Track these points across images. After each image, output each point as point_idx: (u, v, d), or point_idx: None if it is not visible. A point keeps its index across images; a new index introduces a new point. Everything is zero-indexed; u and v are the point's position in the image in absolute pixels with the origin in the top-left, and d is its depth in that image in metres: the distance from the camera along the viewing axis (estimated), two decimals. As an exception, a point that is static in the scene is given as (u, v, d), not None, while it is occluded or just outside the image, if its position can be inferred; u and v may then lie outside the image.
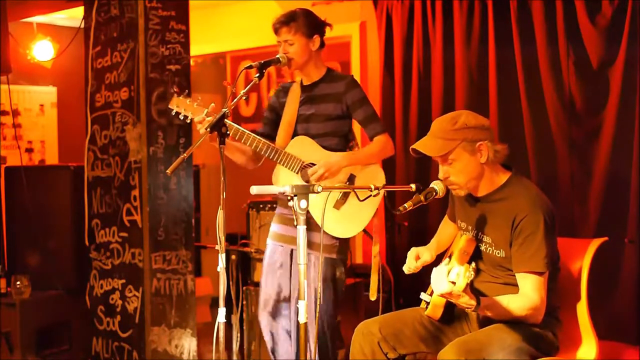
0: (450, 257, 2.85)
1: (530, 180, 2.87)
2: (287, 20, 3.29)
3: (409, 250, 2.96)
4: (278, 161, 3.30)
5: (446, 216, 3.15)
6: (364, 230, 3.32)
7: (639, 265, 3.94)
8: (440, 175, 2.73)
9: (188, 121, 3.25)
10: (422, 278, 2.94)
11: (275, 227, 3.48)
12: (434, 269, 2.54)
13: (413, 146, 2.73)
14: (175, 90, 3.24)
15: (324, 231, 3.25)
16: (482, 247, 2.79)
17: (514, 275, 2.71)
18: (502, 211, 2.72)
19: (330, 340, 3.36)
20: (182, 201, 4.23)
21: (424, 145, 2.71)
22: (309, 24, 3.31)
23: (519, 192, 2.73)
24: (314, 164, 3.29)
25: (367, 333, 2.82)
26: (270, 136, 3.45)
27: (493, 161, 2.73)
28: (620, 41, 3.97)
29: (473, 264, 2.45)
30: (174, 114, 3.26)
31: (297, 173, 3.30)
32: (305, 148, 3.33)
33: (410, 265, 2.90)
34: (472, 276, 2.40)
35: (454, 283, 2.40)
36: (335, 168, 3.25)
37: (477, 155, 2.69)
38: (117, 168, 4.23)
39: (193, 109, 3.22)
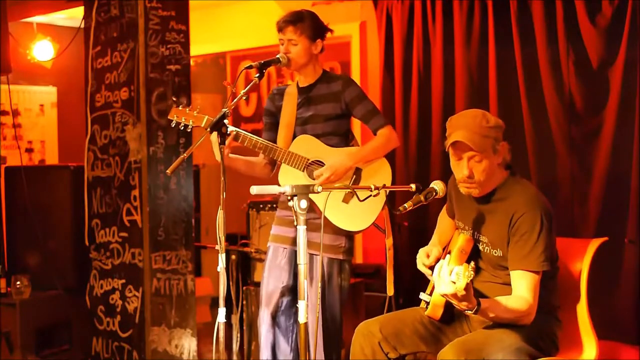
0: (447, 257, 2.84)
1: (527, 180, 2.86)
2: (294, 20, 3.29)
3: (409, 251, 2.96)
4: (282, 161, 3.30)
5: (444, 211, 3.14)
6: (375, 225, 3.32)
7: (639, 265, 3.94)
8: (464, 172, 2.67)
9: (189, 130, 3.26)
10: (422, 278, 2.95)
11: (275, 230, 3.48)
12: (435, 267, 2.54)
13: (459, 139, 2.63)
14: (173, 99, 3.24)
15: (330, 231, 3.26)
16: (481, 247, 2.80)
17: (514, 275, 2.71)
18: (500, 211, 2.72)
19: (333, 341, 3.36)
20: (182, 201, 4.23)
21: (468, 139, 2.62)
22: (314, 27, 3.32)
23: (516, 191, 2.73)
24: (319, 161, 3.30)
25: (368, 333, 2.82)
26: (274, 141, 3.45)
27: (502, 162, 2.73)
28: (620, 41, 3.97)
29: (472, 263, 2.44)
30: (173, 125, 3.25)
31: (303, 171, 3.30)
32: (309, 146, 3.33)
33: (424, 262, 2.88)
34: (472, 275, 2.39)
35: (454, 283, 2.40)
36: (341, 170, 3.26)
37: (497, 155, 2.69)
38: (117, 168, 4.23)
39: (193, 117, 3.22)
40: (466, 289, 2.40)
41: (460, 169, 2.70)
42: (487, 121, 2.67)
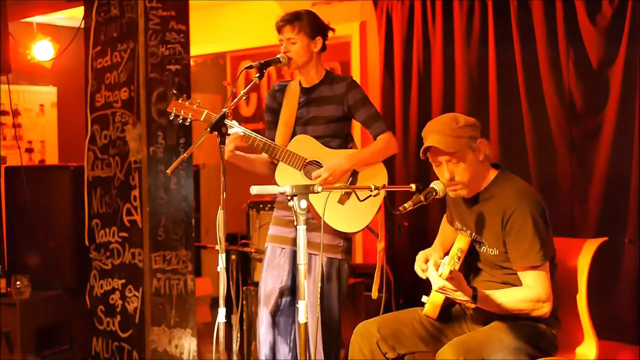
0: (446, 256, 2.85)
1: (517, 176, 2.85)
2: (292, 19, 3.30)
3: (409, 251, 2.97)
4: (280, 159, 3.30)
5: (445, 220, 3.15)
6: (369, 228, 3.32)
7: (639, 265, 3.94)
8: (446, 175, 2.70)
9: (187, 123, 3.26)
10: (422, 279, 2.94)
11: (273, 230, 3.48)
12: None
13: (430, 144, 2.67)
14: (173, 92, 3.24)
15: (328, 231, 3.26)
16: (478, 247, 2.80)
17: (511, 274, 2.72)
18: (491, 210, 2.73)
19: (332, 341, 3.36)
20: (182, 201, 4.23)
21: (439, 142, 2.66)
22: (313, 25, 3.33)
23: (505, 188, 2.74)
24: (316, 161, 3.30)
25: (366, 334, 2.82)
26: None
27: (485, 160, 2.74)
28: (620, 41, 3.97)
29: (459, 253, 2.51)
30: (172, 117, 3.25)
31: (300, 170, 3.30)
32: (306, 146, 3.33)
33: (422, 267, 2.89)
34: (457, 263, 2.46)
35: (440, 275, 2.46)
36: (339, 172, 3.26)
37: (476, 153, 2.71)
38: (117, 168, 4.23)
39: (193, 111, 3.22)
40: (454, 277, 2.45)
41: (441, 173, 2.73)
42: (456, 122, 2.69)
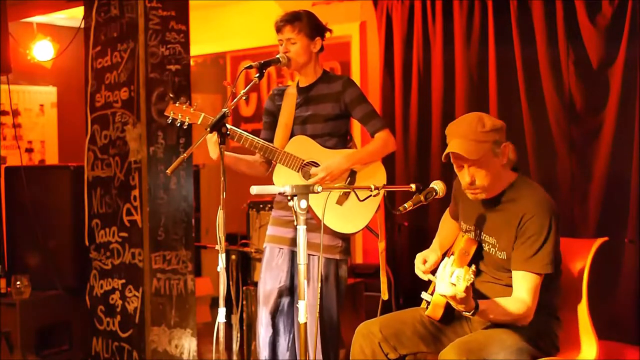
0: (451, 257, 2.84)
1: (536, 182, 2.85)
2: (292, 19, 3.31)
3: (409, 251, 2.95)
4: (278, 161, 3.30)
5: (447, 213, 3.13)
6: (368, 228, 3.32)
7: (639, 265, 3.94)
8: (466, 179, 2.67)
9: (185, 127, 3.26)
10: (422, 278, 2.94)
11: (272, 230, 3.48)
12: (439, 267, 2.55)
13: (453, 150, 2.62)
14: (170, 96, 3.24)
15: (327, 232, 3.26)
16: (485, 248, 2.79)
17: (516, 277, 2.71)
18: (509, 213, 2.71)
19: (332, 341, 3.36)
20: (182, 201, 4.23)
21: (462, 149, 2.61)
22: (312, 26, 3.34)
23: (526, 193, 2.71)
24: (314, 162, 3.30)
25: (368, 334, 2.81)
26: (272, 140, 3.45)
27: (507, 163, 2.72)
28: (620, 41, 3.98)
29: (473, 267, 2.45)
30: (169, 121, 3.26)
31: (298, 172, 3.30)
32: (304, 147, 3.33)
33: (420, 269, 2.88)
34: (472, 279, 2.39)
35: (454, 285, 2.41)
36: (336, 172, 3.26)
37: (500, 158, 2.67)
38: (117, 168, 4.23)
39: (190, 114, 3.22)
40: (466, 291, 2.40)
41: (462, 177, 2.70)
42: (482, 126, 2.63)
